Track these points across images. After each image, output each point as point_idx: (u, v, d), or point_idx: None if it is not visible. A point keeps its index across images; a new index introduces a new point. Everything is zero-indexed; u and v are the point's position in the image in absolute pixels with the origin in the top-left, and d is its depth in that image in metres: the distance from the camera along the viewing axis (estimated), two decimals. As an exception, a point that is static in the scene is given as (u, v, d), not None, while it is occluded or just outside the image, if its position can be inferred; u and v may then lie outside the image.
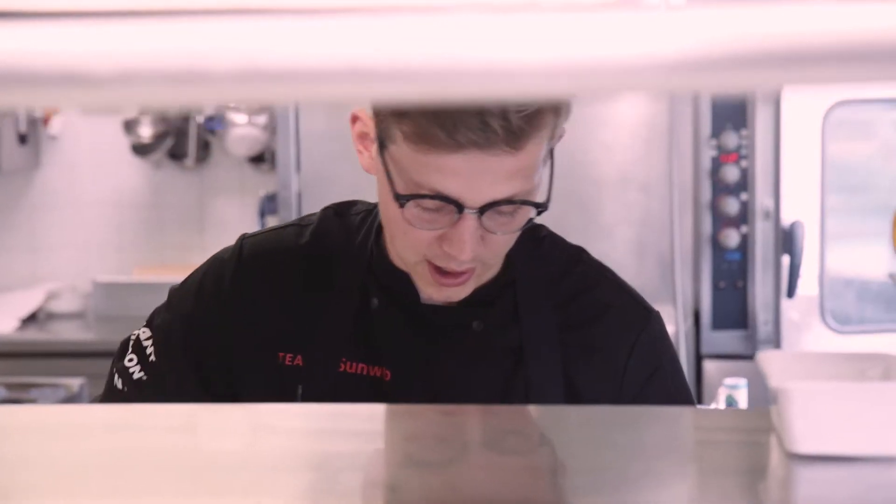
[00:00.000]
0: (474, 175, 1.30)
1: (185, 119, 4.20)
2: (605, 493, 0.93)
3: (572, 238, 3.50)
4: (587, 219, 3.48)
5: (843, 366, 1.01)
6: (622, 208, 3.48)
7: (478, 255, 1.36)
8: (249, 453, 1.05)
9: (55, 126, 4.23)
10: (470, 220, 1.32)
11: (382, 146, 1.35)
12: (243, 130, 4.14)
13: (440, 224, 1.34)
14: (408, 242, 1.38)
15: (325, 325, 1.47)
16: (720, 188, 3.47)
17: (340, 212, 1.56)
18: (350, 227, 1.53)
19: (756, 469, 0.98)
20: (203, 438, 1.14)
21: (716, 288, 3.48)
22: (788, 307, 3.42)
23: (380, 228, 1.49)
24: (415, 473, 0.99)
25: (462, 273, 1.38)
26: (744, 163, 3.45)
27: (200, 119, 4.19)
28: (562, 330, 1.47)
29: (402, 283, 1.45)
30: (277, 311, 1.49)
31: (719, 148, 3.46)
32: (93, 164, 4.34)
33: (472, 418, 1.20)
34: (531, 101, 1.25)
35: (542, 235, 1.54)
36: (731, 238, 3.46)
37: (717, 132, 3.46)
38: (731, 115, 3.45)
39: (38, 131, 4.27)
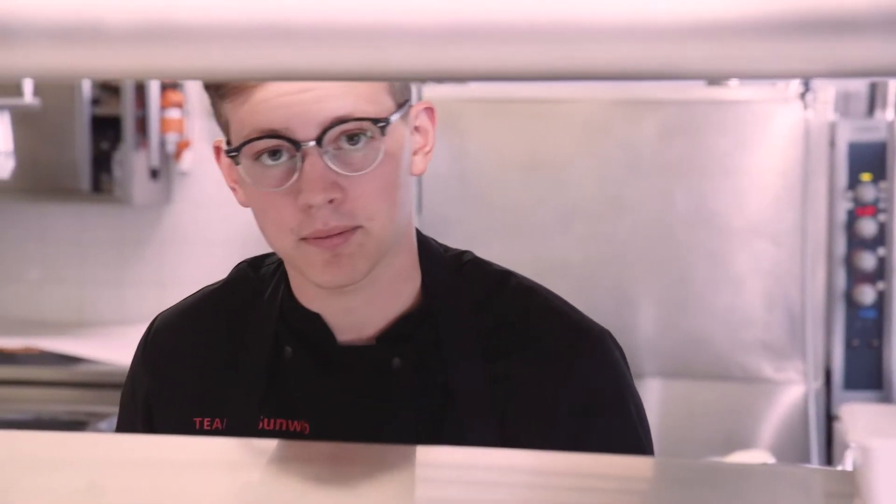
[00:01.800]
0: (293, 101, 1.23)
1: (314, 158, 4.21)
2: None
3: (697, 289, 3.39)
4: (714, 269, 3.37)
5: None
6: (751, 259, 3.35)
7: (342, 210, 1.25)
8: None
9: (186, 161, 4.29)
10: (312, 157, 1.23)
11: (228, 146, 1.29)
12: (370, 171, 4.12)
13: (286, 176, 1.25)
14: (273, 225, 1.29)
15: (239, 383, 1.40)
16: (855, 242, 3.32)
17: (255, 264, 1.49)
18: (262, 277, 1.45)
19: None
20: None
21: (849, 346, 3.32)
22: (926, 369, 3.25)
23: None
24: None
25: (339, 235, 1.27)
26: (882, 216, 3.30)
27: (329, 159, 4.20)
28: (489, 361, 1.35)
29: (314, 324, 1.37)
30: (190, 377, 1.44)
31: (855, 200, 3.32)
32: (221, 201, 4.37)
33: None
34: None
35: (463, 261, 1.42)
36: (867, 295, 3.30)
37: (853, 183, 3.32)
38: (869, 165, 3.30)
39: (170, 167, 4.33)
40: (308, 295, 1.38)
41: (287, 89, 1.22)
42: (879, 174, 3.30)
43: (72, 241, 4.42)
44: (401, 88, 1.30)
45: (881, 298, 3.31)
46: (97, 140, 4.08)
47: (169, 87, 4.20)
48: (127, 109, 4.06)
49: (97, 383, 3.85)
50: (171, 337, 1.48)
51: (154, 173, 4.21)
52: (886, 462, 0.82)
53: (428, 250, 1.40)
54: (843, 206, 3.33)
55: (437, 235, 1.46)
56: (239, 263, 1.51)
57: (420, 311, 1.38)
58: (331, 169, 1.24)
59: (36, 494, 0.98)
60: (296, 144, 1.24)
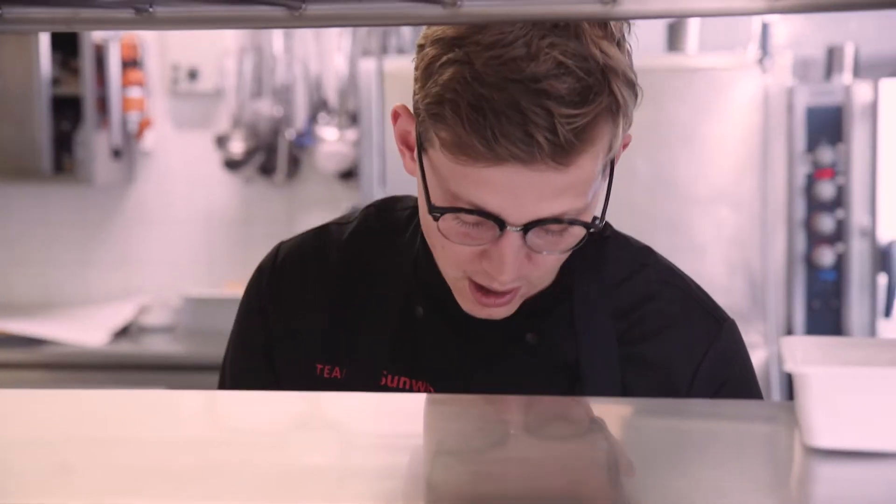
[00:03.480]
0: (517, 191, 1.16)
1: (276, 135, 4.21)
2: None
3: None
4: (677, 237, 3.39)
5: (877, 353, 0.92)
6: (713, 226, 3.38)
7: (522, 274, 1.23)
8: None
9: (148, 141, 4.27)
10: (512, 239, 1.19)
11: (421, 149, 1.23)
12: (333, 147, 4.13)
13: (480, 240, 1.21)
14: (446, 257, 1.25)
15: (365, 334, 1.35)
16: (815, 205, 3.35)
17: (385, 208, 1.43)
18: (395, 225, 1.40)
19: (770, 465, 0.90)
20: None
21: (809, 308, 3.36)
22: (885, 328, 3.28)
23: None
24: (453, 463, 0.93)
25: (505, 293, 1.25)
26: (840, 179, 3.33)
27: (291, 135, 4.20)
28: (622, 343, 1.33)
29: (449, 290, 1.32)
30: (314, 319, 1.38)
31: (814, 164, 3.35)
32: (184, 180, 4.37)
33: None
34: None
35: (605, 236, 1.38)
36: (826, 257, 3.33)
37: (811, 147, 3.35)
38: (827, 129, 3.33)
39: (132, 146, 4.31)
40: None
41: (514, 180, 1.16)
42: (836, 137, 3.33)
43: (34, 222, 4.40)
44: (616, 144, 1.22)
45: (840, 260, 3.34)
46: (57, 120, 4.07)
47: (129, 65, 4.18)
48: (87, 89, 4.04)
49: (63, 364, 3.84)
50: (298, 272, 1.41)
51: (116, 153, 4.20)
52: (820, 389, 0.83)
53: None
54: (802, 170, 3.36)
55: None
56: (368, 206, 1.45)
57: (558, 287, 1.34)
58: (525, 247, 1.21)
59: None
60: (501, 224, 1.19)
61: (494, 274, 1.21)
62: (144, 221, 4.39)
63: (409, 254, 1.37)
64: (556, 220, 1.18)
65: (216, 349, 4.14)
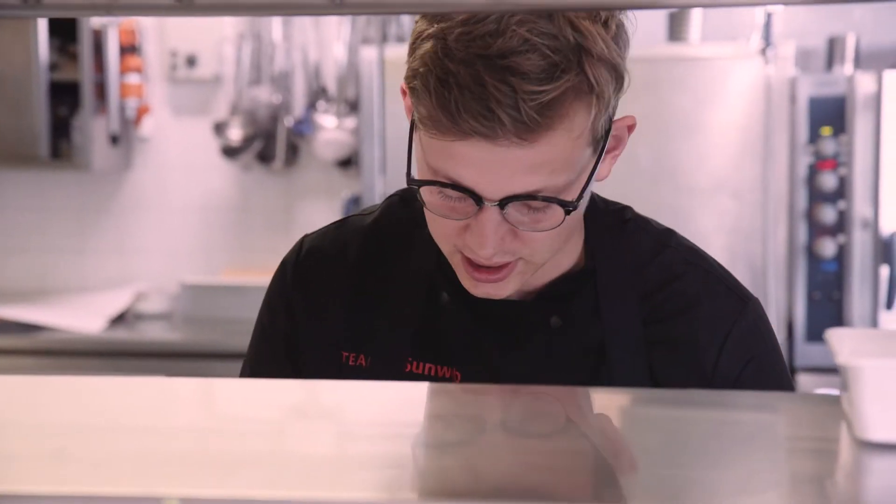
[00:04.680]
0: (486, 166, 1.18)
1: (274, 122, 4.19)
2: (651, 475, 0.86)
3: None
4: (677, 226, 3.36)
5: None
6: (714, 216, 3.38)
7: (509, 250, 1.24)
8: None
9: (146, 127, 4.26)
10: (491, 213, 1.20)
11: (413, 126, 1.25)
12: (331, 135, 4.12)
13: (463, 214, 1.23)
14: (436, 230, 1.28)
15: (389, 322, 1.37)
16: (816, 196, 3.36)
17: (407, 198, 1.45)
18: (417, 213, 1.40)
19: (820, 457, 0.90)
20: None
21: (810, 299, 3.36)
22: (887, 320, 3.29)
23: None
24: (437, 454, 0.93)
25: (498, 269, 1.26)
26: (842, 170, 3.33)
27: (290, 123, 4.18)
28: (647, 325, 1.33)
29: None
30: (339, 308, 1.40)
31: (816, 154, 3.35)
32: (182, 166, 4.35)
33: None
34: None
35: (626, 219, 1.39)
36: (828, 248, 3.34)
37: (814, 138, 3.35)
38: (830, 120, 3.33)
39: (130, 133, 4.29)
40: None
41: (481, 155, 1.17)
42: (839, 128, 3.33)
43: (31, 208, 4.38)
44: (604, 123, 1.23)
45: (841, 251, 3.35)
46: (55, 106, 4.05)
47: (127, 51, 4.17)
48: (85, 75, 4.02)
49: (59, 351, 3.83)
50: (321, 263, 1.43)
51: (114, 139, 4.18)
52: (874, 382, 0.83)
53: (591, 208, 1.37)
54: (804, 160, 3.36)
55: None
56: (391, 196, 1.47)
57: (582, 270, 1.36)
58: (506, 223, 1.22)
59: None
60: (478, 200, 1.20)
61: (476, 248, 1.23)
62: (142, 208, 4.37)
63: (431, 242, 1.37)
64: (531, 196, 1.19)
65: (213, 336, 4.14)
